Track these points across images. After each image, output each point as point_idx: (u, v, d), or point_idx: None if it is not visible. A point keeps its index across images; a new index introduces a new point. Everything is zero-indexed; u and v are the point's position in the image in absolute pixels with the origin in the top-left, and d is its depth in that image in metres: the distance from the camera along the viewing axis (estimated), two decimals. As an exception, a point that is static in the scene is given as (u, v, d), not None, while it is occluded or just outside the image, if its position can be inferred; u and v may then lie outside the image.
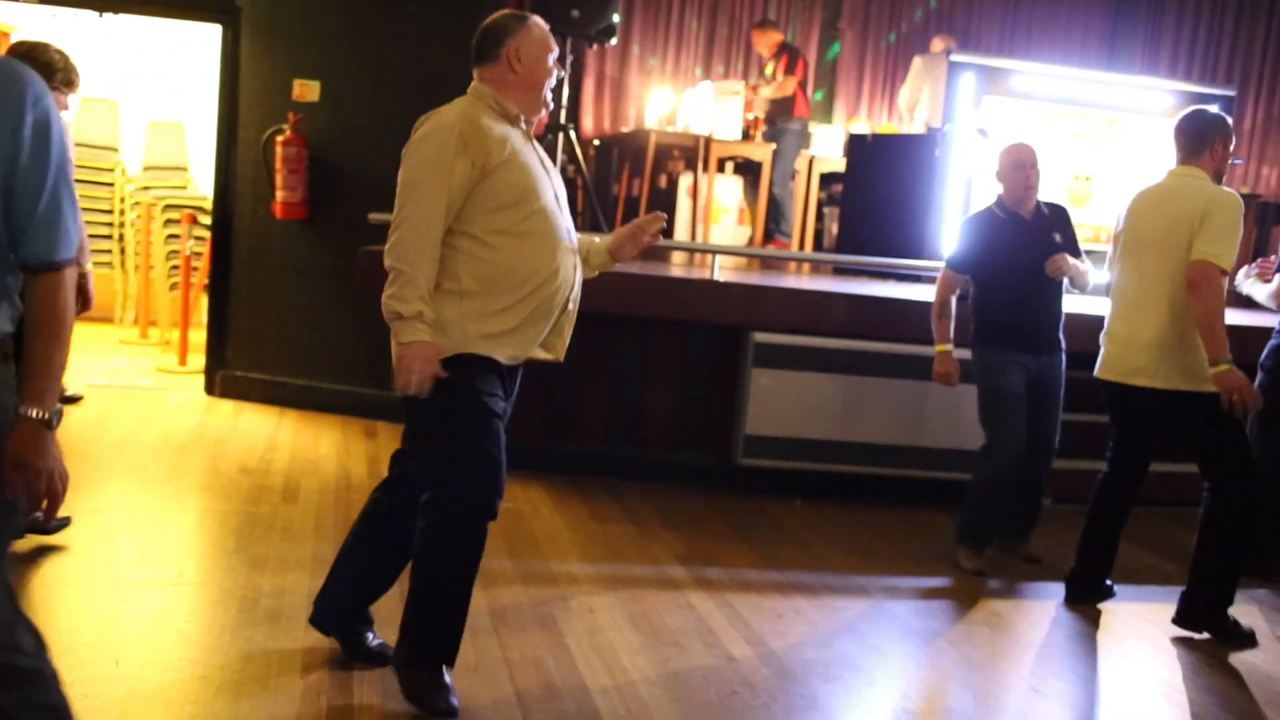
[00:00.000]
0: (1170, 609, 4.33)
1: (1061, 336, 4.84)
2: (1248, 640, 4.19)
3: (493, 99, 3.09)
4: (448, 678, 3.12)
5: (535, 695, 3.28)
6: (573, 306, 3.21)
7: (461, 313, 3.00)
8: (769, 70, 8.74)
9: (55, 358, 2.08)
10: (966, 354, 4.89)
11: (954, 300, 4.88)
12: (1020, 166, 4.73)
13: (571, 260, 3.16)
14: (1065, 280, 4.75)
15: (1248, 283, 4.86)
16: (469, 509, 3.04)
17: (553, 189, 3.15)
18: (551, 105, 3.28)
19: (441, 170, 2.92)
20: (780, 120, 8.52)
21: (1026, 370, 4.74)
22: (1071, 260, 4.68)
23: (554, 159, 6.49)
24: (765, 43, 8.85)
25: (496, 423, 3.06)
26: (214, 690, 3.12)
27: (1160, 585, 4.85)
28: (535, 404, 5.89)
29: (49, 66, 3.96)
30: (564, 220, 3.15)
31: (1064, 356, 4.85)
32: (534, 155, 3.12)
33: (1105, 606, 4.54)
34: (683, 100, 8.97)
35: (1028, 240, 4.74)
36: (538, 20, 3.17)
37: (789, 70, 8.56)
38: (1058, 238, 4.76)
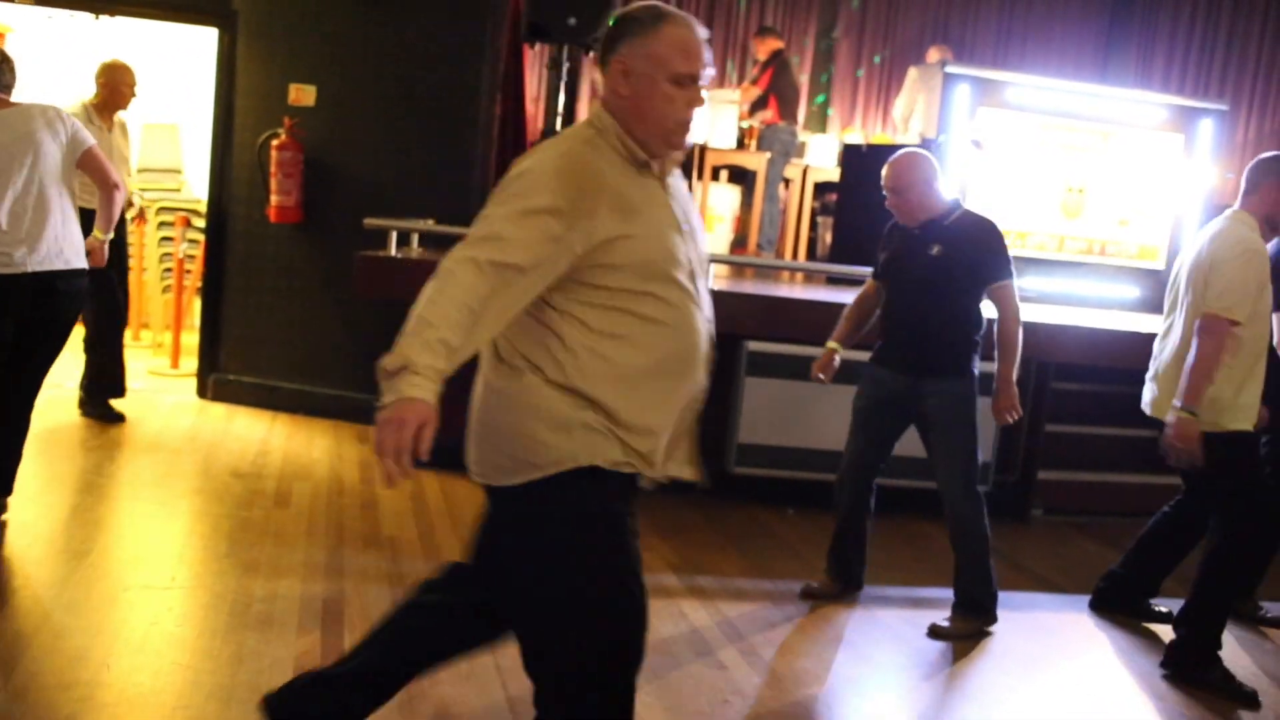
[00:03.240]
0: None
1: (958, 362, 4.18)
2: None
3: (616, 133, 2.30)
4: None
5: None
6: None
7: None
8: (753, 76, 8.94)
9: None
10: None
11: (868, 305, 4.50)
12: (883, 183, 4.24)
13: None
14: (965, 303, 4.19)
15: None
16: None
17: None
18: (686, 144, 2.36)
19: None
20: (766, 129, 8.60)
21: (883, 388, 4.33)
22: (1006, 393, 4.11)
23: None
24: (762, 50, 8.96)
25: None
26: (205, 695, 3.12)
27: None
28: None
29: None
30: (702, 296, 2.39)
31: (961, 383, 4.19)
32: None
33: (1094, 619, 4.56)
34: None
35: (905, 249, 4.28)
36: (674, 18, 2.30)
37: (755, 80, 8.78)
38: (935, 250, 4.15)
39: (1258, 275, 3.85)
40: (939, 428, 4.23)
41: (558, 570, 2.29)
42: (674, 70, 2.25)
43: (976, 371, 4.22)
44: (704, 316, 2.38)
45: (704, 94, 2.32)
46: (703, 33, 2.32)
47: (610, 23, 2.35)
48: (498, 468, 2.31)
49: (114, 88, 5.98)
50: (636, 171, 2.29)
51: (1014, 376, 4.13)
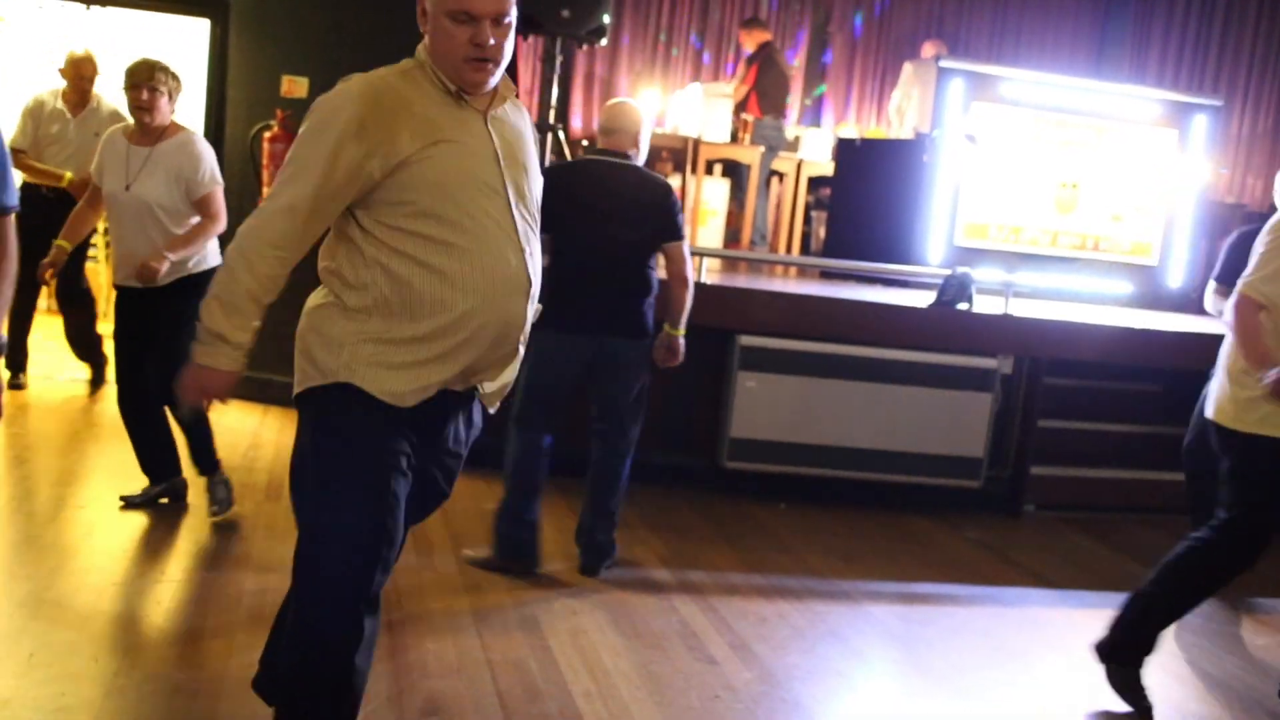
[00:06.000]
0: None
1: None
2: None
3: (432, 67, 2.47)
4: None
5: (517, 697, 3.28)
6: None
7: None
8: (740, 73, 8.93)
9: (6, 290, 2.54)
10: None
11: None
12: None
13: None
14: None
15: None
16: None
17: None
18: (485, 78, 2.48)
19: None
20: (756, 123, 8.59)
21: None
22: None
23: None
24: (748, 41, 8.94)
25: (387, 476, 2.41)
26: (194, 690, 3.11)
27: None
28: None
29: None
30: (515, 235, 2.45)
31: None
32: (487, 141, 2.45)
33: (1085, 614, 4.56)
34: (671, 101, 8.98)
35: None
36: None
37: (743, 78, 8.75)
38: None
39: None
40: None
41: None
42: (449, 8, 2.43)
43: None
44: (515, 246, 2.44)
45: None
46: None
47: None
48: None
49: (72, 79, 6.28)
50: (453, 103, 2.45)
51: None
